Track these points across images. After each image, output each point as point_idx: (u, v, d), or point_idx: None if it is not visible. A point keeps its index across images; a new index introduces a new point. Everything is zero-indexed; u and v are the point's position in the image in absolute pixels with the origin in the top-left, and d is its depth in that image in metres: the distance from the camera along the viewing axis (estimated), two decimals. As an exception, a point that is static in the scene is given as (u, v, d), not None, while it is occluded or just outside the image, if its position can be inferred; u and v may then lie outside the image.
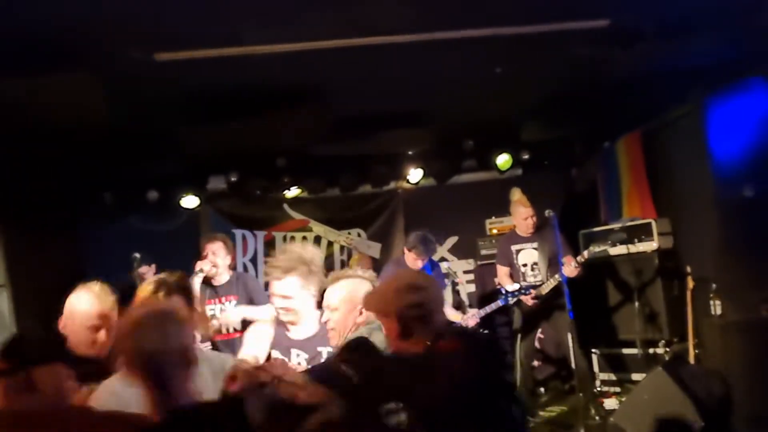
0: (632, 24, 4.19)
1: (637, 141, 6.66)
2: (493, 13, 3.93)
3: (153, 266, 5.39)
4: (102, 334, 2.84)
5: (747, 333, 4.49)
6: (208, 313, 4.96)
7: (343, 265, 7.83)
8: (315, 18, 3.87)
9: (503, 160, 7.00)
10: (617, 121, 6.65)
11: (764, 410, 4.34)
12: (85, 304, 2.87)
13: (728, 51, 4.38)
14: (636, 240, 6.35)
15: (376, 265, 7.04)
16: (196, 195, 6.89)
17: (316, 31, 4.07)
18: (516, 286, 5.86)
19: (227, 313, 4.94)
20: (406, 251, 5.76)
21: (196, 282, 4.84)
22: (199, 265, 4.98)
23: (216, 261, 5.03)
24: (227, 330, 5.03)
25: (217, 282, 5.08)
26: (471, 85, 5.35)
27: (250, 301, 4.97)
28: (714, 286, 5.02)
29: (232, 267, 5.27)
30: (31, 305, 6.42)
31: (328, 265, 7.87)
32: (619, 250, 6.40)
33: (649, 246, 6.26)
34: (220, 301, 5.06)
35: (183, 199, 6.84)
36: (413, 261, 5.65)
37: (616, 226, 6.61)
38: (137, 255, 4.99)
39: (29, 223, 6.06)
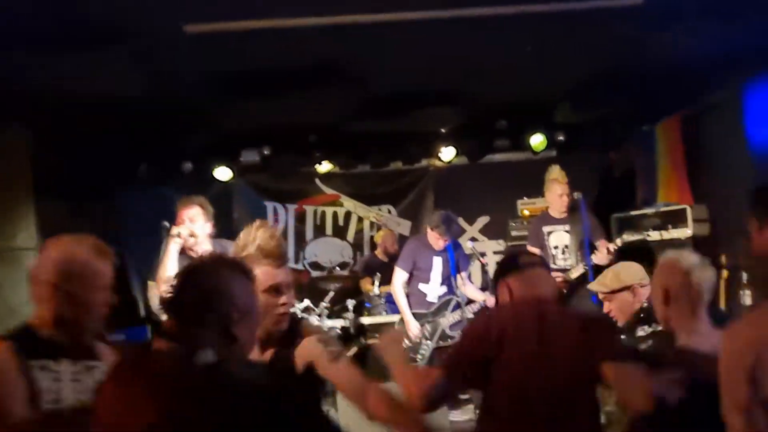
0: (669, 4, 4.05)
1: (676, 125, 6.49)
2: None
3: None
4: None
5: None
6: None
7: (372, 240, 7.86)
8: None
9: (537, 141, 6.89)
10: (656, 104, 6.49)
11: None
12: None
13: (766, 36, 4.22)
14: (670, 226, 6.20)
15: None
16: (228, 167, 6.96)
17: (348, 4, 4.06)
18: None
19: None
20: (428, 230, 5.74)
21: (173, 250, 4.32)
22: (175, 229, 4.37)
23: (194, 229, 4.39)
24: None
25: (195, 252, 4.38)
26: (504, 63, 5.27)
27: None
28: (745, 276, 4.89)
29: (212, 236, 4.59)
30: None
31: (357, 241, 7.92)
32: (653, 235, 6.27)
33: (683, 233, 6.12)
34: None
35: (216, 170, 6.93)
36: (435, 240, 5.63)
37: (650, 211, 6.47)
38: (166, 224, 4.96)
39: (65, 192, 6.22)
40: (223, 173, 6.99)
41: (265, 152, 6.92)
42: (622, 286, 3.42)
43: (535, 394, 2.30)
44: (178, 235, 4.31)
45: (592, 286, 3.81)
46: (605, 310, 3.36)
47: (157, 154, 6.85)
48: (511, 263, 2.60)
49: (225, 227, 6.27)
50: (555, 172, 6.36)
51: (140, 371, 1.69)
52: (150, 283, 6.33)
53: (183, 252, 4.36)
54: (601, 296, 3.56)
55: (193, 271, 1.84)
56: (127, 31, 4.15)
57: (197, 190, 7.16)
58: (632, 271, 3.48)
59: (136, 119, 5.81)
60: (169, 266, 4.30)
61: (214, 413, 1.57)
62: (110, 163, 6.70)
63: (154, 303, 6.23)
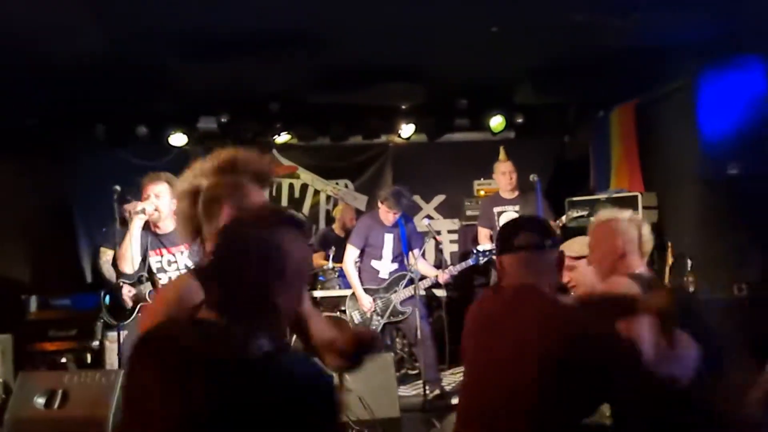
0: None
1: (631, 112, 6.62)
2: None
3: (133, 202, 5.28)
4: None
5: (716, 311, 4.54)
6: (154, 266, 4.28)
7: (329, 214, 7.86)
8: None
9: (497, 122, 6.96)
10: (613, 91, 6.61)
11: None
12: None
13: (724, 26, 4.33)
14: (621, 212, 6.35)
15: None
16: (185, 134, 6.86)
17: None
18: (488, 246, 5.87)
19: (179, 264, 4.26)
20: (379, 204, 5.76)
21: (136, 226, 4.20)
22: (140, 204, 4.22)
23: (159, 205, 4.22)
24: None
25: (161, 230, 4.29)
26: (467, 43, 5.30)
27: None
28: (690, 262, 5.06)
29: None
30: (12, 227, 6.49)
31: (313, 214, 7.91)
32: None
33: (633, 219, 6.28)
34: (169, 252, 4.30)
35: (172, 136, 6.82)
36: (385, 214, 5.66)
37: (602, 196, 6.60)
38: (117, 187, 4.86)
39: (17, 147, 6.07)
40: (178, 139, 6.89)
41: (223, 120, 6.83)
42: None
43: (477, 388, 2.20)
44: (143, 211, 4.17)
45: None
46: (564, 280, 3.21)
47: (114, 116, 6.70)
48: (506, 242, 2.31)
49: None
50: (501, 154, 6.52)
51: (187, 351, 1.43)
52: (102, 249, 6.23)
53: (146, 227, 4.26)
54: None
55: (238, 227, 1.58)
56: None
57: (152, 154, 7.10)
58: None
59: (94, 79, 5.66)
60: (133, 243, 4.20)
61: (264, 411, 1.38)
62: (65, 122, 6.55)
63: (107, 270, 6.13)
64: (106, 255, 6.20)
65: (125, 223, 4.79)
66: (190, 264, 4.09)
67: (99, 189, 6.04)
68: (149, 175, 4.42)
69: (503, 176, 6.15)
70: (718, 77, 4.62)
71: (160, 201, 4.23)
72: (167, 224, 4.26)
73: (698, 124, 4.70)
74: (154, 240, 4.29)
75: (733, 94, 4.54)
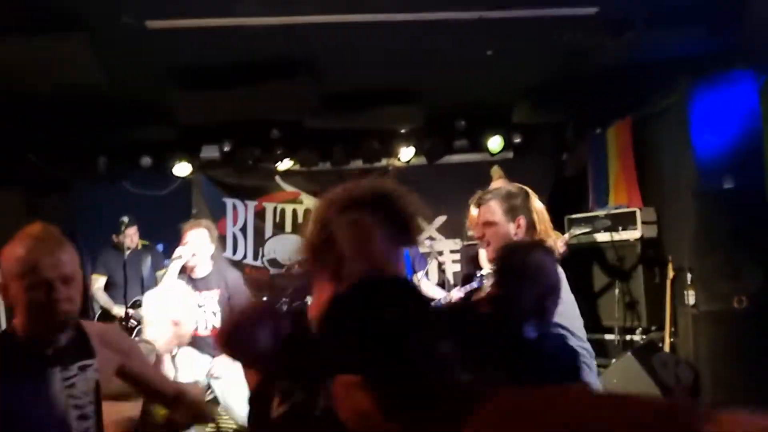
0: (621, 13, 4.23)
1: (627, 129, 6.69)
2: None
3: (134, 228, 5.37)
4: None
5: (717, 324, 4.58)
6: None
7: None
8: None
9: (495, 143, 7.06)
10: (609, 108, 6.69)
11: (730, 399, 4.45)
12: None
13: (716, 43, 4.43)
14: (620, 228, 6.40)
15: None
16: (188, 162, 6.95)
17: (309, 4, 4.12)
18: (490, 269, 5.90)
19: (207, 307, 4.45)
20: None
21: (173, 269, 4.39)
22: (178, 251, 4.47)
23: (198, 249, 4.47)
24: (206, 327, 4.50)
25: (196, 274, 4.50)
26: (464, 65, 5.40)
27: (229, 297, 4.46)
28: (690, 276, 5.10)
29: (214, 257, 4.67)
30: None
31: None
32: (604, 237, 6.47)
33: (633, 234, 6.32)
34: (200, 294, 4.46)
35: (175, 166, 6.91)
36: None
37: (601, 213, 6.65)
38: (125, 219, 5.00)
39: (21, 180, 6.15)
40: (182, 169, 6.97)
41: (226, 148, 6.92)
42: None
43: None
44: (180, 257, 4.38)
45: None
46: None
47: (116, 148, 6.79)
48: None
49: (183, 223, 6.29)
50: (494, 170, 6.56)
51: None
52: (94, 276, 6.32)
53: (182, 271, 4.44)
54: None
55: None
56: (90, 23, 4.14)
57: (156, 185, 7.19)
58: None
59: (97, 112, 5.77)
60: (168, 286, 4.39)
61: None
62: (69, 155, 6.64)
63: (100, 296, 6.21)
64: (98, 281, 6.31)
65: (118, 248, 4.92)
66: (218, 308, 4.32)
67: (104, 221, 6.15)
68: (189, 222, 4.75)
69: None
70: (711, 93, 4.70)
71: (198, 247, 4.45)
72: (203, 269, 4.50)
73: (692, 139, 4.78)
74: (188, 283, 4.37)
75: (726, 109, 4.62)
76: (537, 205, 2.83)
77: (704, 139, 4.71)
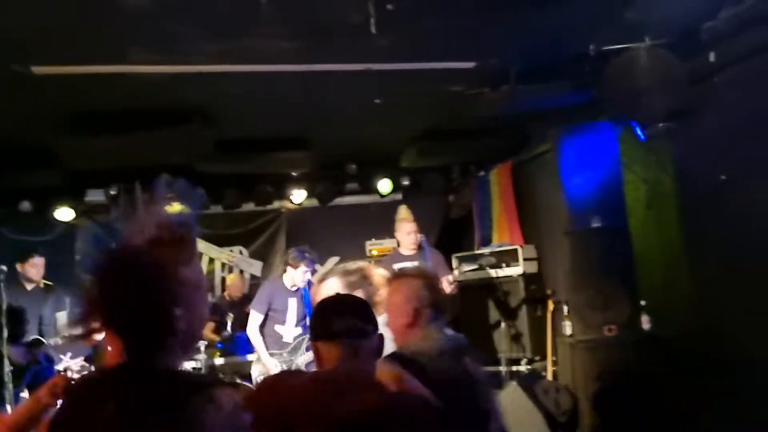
0: (496, 67, 4.59)
1: (508, 171, 7.15)
2: (369, 50, 4.19)
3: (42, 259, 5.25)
4: None
5: (591, 351, 4.95)
6: None
7: (224, 282, 7.87)
8: (198, 44, 4.00)
9: (385, 185, 7.33)
10: (491, 152, 7.12)
11: (604, 422, 4.80)
12: None
13: (581, 96, 4.89)
14: (504, 264, 6.78)
15: (257, 282, 7.18)
16: (71, 207, 6.75)
17: (201, 54, 4.19)
18: None
19: None
20: (290, 268, 5.82)
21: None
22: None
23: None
24: None
25: None
26: (353, 113, 5.62)
27: None
28: (566, 308, 5.49)
29: None
30: None
31: (209, 282, 7.89)
32: (489, 273, 6.82)
33: (515, 271, 6.71)
34: None
35: (57, 210, 6.70)
36: (302, 275, 5.75)
37: (486, 251, 7.03)
38: (4, 267, 4.80)
39: None
40: (64, 214, 6.77)
41: (112, 192, 6.78)
42: None
43: None
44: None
45: None
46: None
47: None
48: (323, 327, 2.01)
49: (65, 270, 6.08)
50: (403, 212, 6.72)
51: None
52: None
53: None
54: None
55: None
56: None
57: (37, 230, 6.91)
58: None
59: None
60: None
61: None
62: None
63: None
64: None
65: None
66: None
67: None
68: None
69: (408, 236, 6.17)
70: (579, 140, 5.16)
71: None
72: None
73: (563, 182, 5.20)
74: None
75: (592, 155, 5.08)
76: (376, 278, 2.97)
77: (574, 182, 5.13)
